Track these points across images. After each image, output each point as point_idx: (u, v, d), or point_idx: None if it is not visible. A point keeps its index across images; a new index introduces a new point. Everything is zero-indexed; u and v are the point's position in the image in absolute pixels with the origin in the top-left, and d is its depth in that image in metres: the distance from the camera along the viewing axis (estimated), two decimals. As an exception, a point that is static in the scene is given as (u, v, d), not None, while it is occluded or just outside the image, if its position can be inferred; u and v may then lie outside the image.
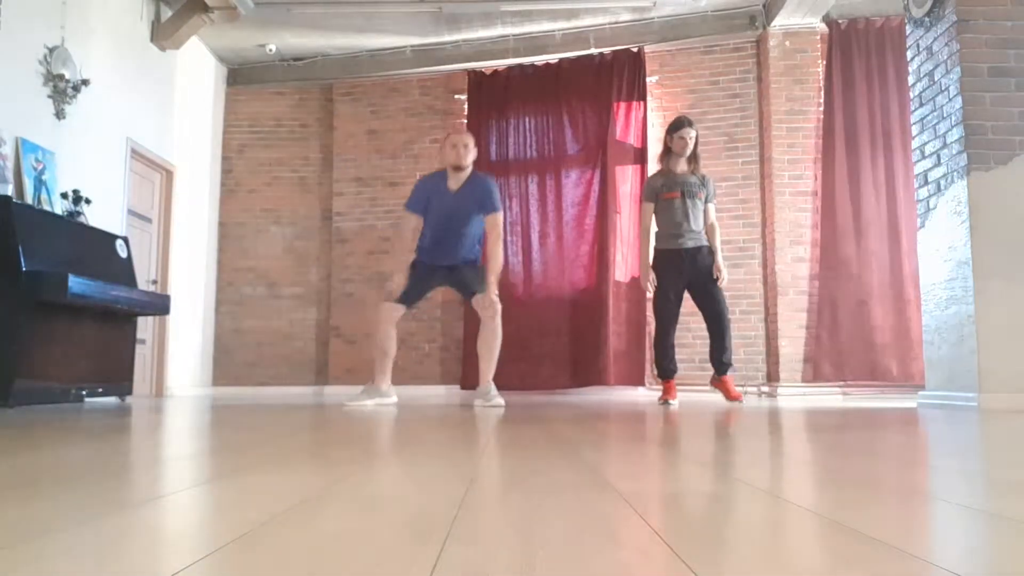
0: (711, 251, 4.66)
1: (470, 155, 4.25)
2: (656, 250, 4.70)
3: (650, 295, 6.72)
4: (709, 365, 6.81)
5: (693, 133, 4.67)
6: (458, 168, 4.22)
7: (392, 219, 7.25)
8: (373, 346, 4.32)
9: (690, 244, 4.61)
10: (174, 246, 6.62)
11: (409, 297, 4.27)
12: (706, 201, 4.69)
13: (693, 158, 4.70)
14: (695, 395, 6.13)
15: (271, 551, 0.68)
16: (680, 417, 3.08)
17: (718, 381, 4.64)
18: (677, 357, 4.70)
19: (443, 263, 4.28)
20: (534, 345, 6.73)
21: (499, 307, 4.16)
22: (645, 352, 6.60)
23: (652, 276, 4.66)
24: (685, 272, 4.60)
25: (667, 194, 4.65)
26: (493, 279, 4.17)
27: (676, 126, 4.69)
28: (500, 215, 4.29)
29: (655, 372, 4.70)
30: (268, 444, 1.76)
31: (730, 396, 4.56)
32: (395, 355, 4.29)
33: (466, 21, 6.82)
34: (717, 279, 4.57)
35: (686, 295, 4.68)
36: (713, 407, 4.03)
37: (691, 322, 6.61)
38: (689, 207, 4.62)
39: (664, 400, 4.53)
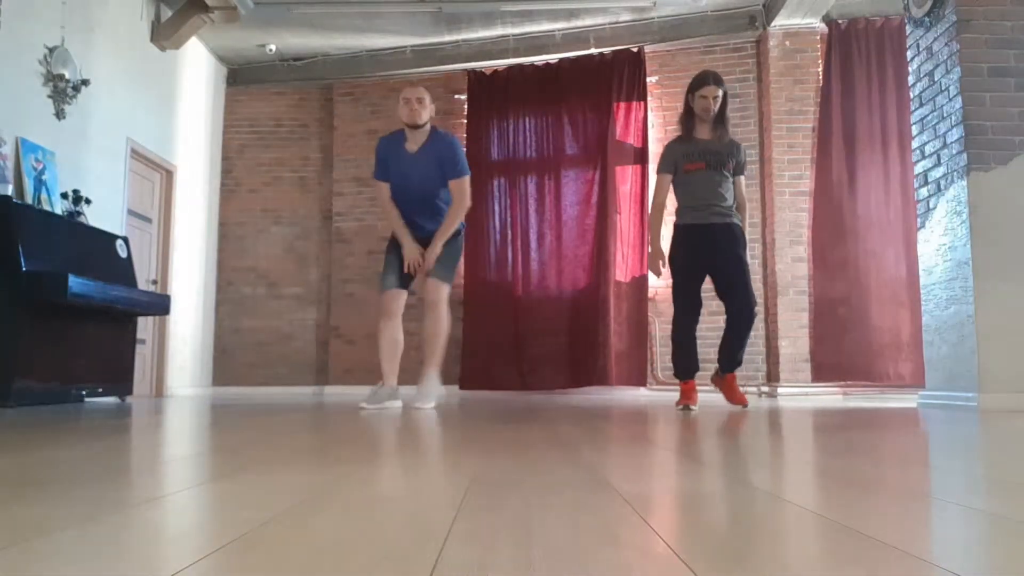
0: (742, 233, 3.95)
1: (426, 111, 3.83)
2: (676, 226, 3.98)
3: (659, 281, 6.76)
4: (710, 364, 6.88)
5: (719, 91, 3.90)
6: (413, 126, 3.83)
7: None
8: (383, 346, 3.89)
9: (717, 220, 3.89)
10: (174, 246, 6.62)
11: (392, 278, 3.89)
12: (735, 173, 3.97)
13: (720, 122, 3.94)
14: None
15: (271, 551, 0.68)
16: (680, 417, 3.08)
17: (720, 379, 3.98)
18: (670, 360, 4.15)
19: (415, 233, 3.91)
20: (534, 345, 6.73)
21: (444, 292, 3.80)
22: (646, 352, 6.61)
23: (663, 259, 3.98)
24: (707, 254, 3.90)
25: (689, 165, 3.93)
26: (439, 242, 3.82)
27: (697, 83, 3.94)
28: (466, 179, 3.88)
29: (672, 372, 4.02)
30: (268, 444, 1.76)
31: (734, 399, 3.93)
32: (401, 350, 3.90)
33: (466, 21, 6.82)
34: (746, 268, 3.91)
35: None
36: (716, 408, 4.02)
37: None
38: (717, 181, 3.90)
39: (684, 405, 3.77)
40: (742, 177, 4.01)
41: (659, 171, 4.04)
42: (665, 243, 4.03)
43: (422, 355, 3.91)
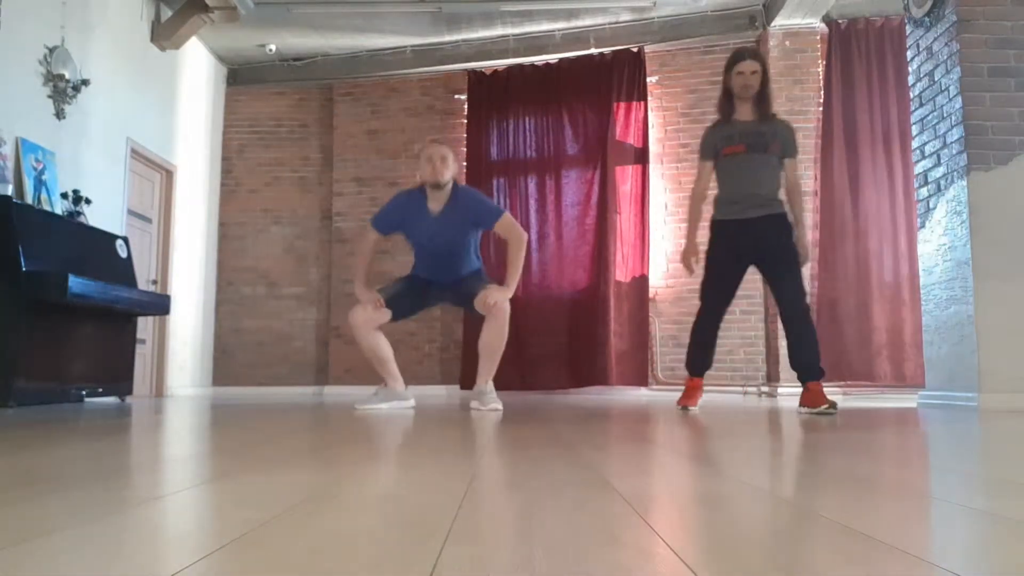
0: (788, 222, 3.63)
1: (448, 170, 3.70)
2: (713, 221, 3.71)
3: (659, 281, 6.75)
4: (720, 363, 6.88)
5: (757, 66, 3.60)
6: (436, 186, 3.69)
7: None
8: (365, 355, 3.83)
9: (756, 213, 3.58)
10: (174, 246, 6.62)
11: (399, 308, 3.78)
12: (783, 156, 3.65)
13: (762, 100, 3.62)
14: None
15: (271, 551, 0.68)
16: (680, 417, 3.08)
17: (806, 393, 3.43)
18: (677, 359, 4.03)
19: (445, 279, 3.85)
20: (534, 345, 6.73)
21: (507, 306, 3.67)
22: (647, 352, 6.60)
23: (697, 256, 3.72)
24: (748, 249, 3.61)
25: (728, 148, 3.62)
26: (513, 282, 3.72)
27: (734, 60, 3.65)
28: (507, 215, 3.81)
29: (684, 364, 3.81)
30: (268, 444, 1.76)
31: (814, 402, 3.36)
32: (392, 354, 3.84)
33: (466, 21, 6.82)
34: (795, 258, 3.56)
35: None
36: (716, 409, 4.01)
37: (692, 321, 6.63)
38: (758, 165, 3.59)
39: (683, 405, 3.64)
40: (793, 160, 3.67)
41: (700, 159, 3.77)
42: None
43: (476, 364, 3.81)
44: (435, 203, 3.73)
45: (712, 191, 3.73)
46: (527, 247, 3.92)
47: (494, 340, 3.70)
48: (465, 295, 3.81)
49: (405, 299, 3.81)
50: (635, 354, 6.60)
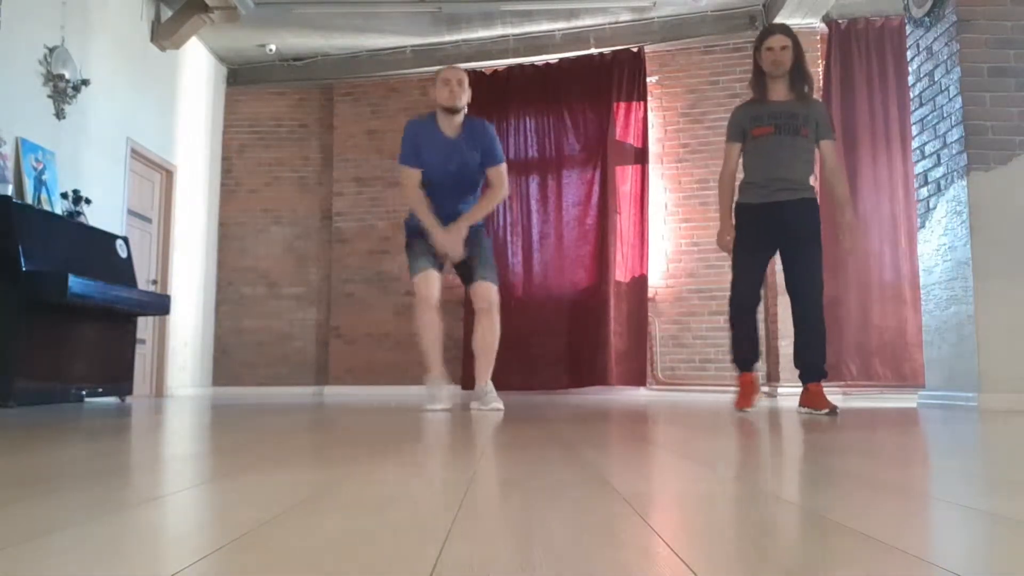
0: (816, 209, 3.46)
1: (465, 94, 3.63)
2: (738, 205, 3.54)
3: (659, 281, 6.73)
4: (710, 364, 6.91)
5: (787, 41, 3.39)
6: (451, 110, 3.60)
7: (393, 219, 7.25)
8: (421, 334, 3.64)
9: (784, 197, 3.41)
10: (174, 246, 6.62)
11: (425, 260, 3.63)
12: (819, 138, 3.45)
13: (797, 79, 3.42)
14: (695, 395, 6.12)
15: (271, 551, 0.68)
16: (680, 418, 3.07)
17: (806, 393, 3.36)
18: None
19: (447, 224, 3.68)
20: (535, 345, 6.73)
21: (496, 293, 3.62)
22: (646, 352, 6.61)
23: (731, 234, 3.53)
24: (775, 233, 3.43)
25: (757, 129, 3.44)
26: (465, 223, 3.59)
27: (762, 36, 3.48)
28: (504, 166, 3.71)
29: (731, 360, 3.63)
30: (268, 444, 1.76)
31: (816, 404, 3.29)
32: (442, 337, 3.67)
33: (466, 21, 6.82)
34: (819, 251, 3.41)
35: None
36: (719, 409, 4.01)
37: (691, 321, 6.64)
38: (788, 147, 3.39)
39: (741, 408, 3.45)
40: (830, 141, 3.47)
41: (727, 140, 3.58)
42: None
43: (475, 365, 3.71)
44: (449, 128, 3.65)
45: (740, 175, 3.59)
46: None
47: (488, 336, 3.63)
48: (468, 256, 3.66)
49: (429, 250, 3.65)
50: (634, 354, 6.60)
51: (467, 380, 6.82)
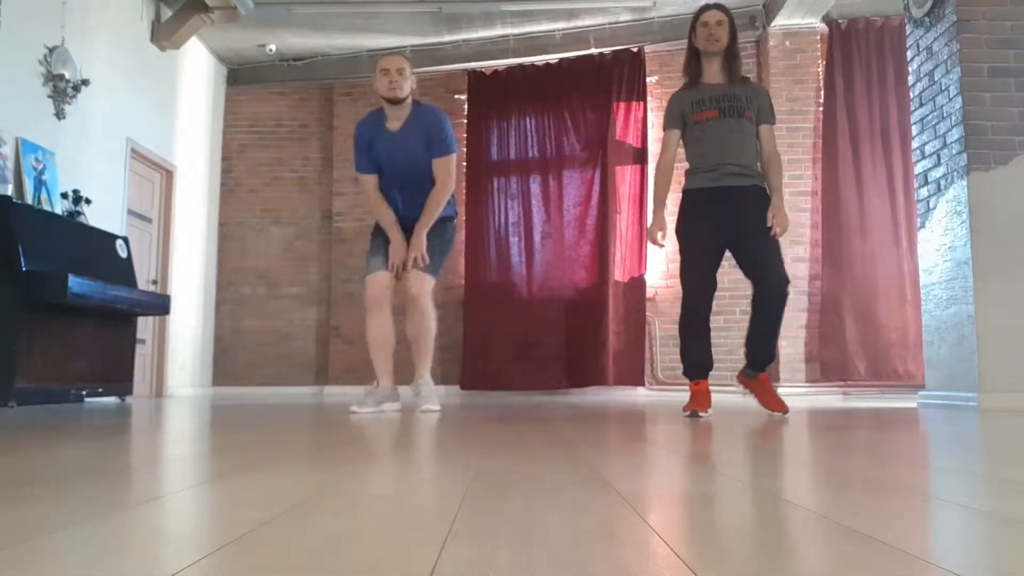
0: (766, 193, 3.27)
1: (407, 82, 3.43)
2: (685, 191, 3.33)
3: (658, 280, 6.74)
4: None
5: (722, 15, 3.25)
6: (393, 101, 3.42)
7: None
8: (370, 339, 3.54)
9: (734, 182, 3.22)
10: (174, 246, 6.62)
11: (378, 260, 3.53)
12: (759, 122, 3.29)
13: (731, 59, 3.28)
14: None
15: (271, 551, 0.68)
16: (680, 417, 3.07)
17: (751, 379, 3.29)
18: (677, 359, 3.44)
19: (412, 217, 3.53)
20: (535, 345, 6.73)
21: (428, 285, 3.43)
22: (644, 352, 6.61)
23: (664, 230, 3.34)
24: (726, 220, 3.21)
25: (699, 115, 3.26)
26: (422, 233, 3.42)
27: (697, 13, 3.31)
28: (453, 157, 3.49)
29: (682, 370, 3.36)
30: (268, 444, 1.76)
31: (771, 404, 3.23)
32: (393, 345, 3.51)
33: (466, 21, 6.82)
34: (771, 230, 3.19)
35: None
36: (728, 411, 4.01)
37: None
38: (734, 131, 3.22)
39: (691, 411, 3.18)
40: (769, 126, 3.31)
41: (665, 127, 3.39)
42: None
43: (412, 356, 3.55)
44: (394, 121, 3.48)
45: (681, 165, 3.38)
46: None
47: (415, 327, 3.47)
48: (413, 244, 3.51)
49: (386, 248, 3.54)
50: (634, 354, 6.61)
51: (465, 379, 6.83)
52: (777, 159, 3.32)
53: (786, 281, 3.20)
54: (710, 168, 3.24)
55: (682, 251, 3.30)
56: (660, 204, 3.37)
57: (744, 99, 3.24)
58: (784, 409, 3.20)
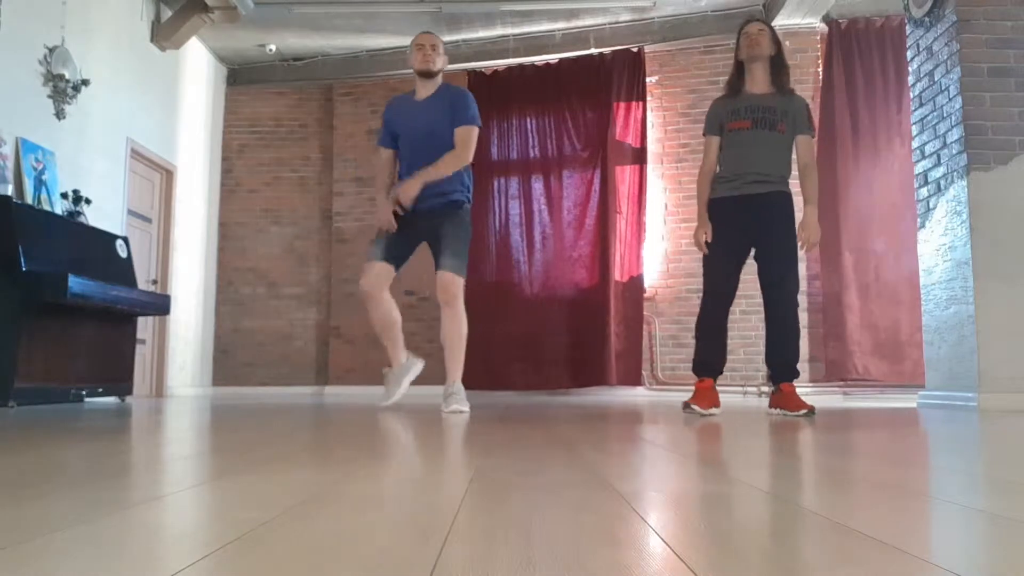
0: (791, 204, 3.37)
1: (440, 59, 3.64)
2: (709, 200, 3.44)
3: (657, 280, 6.73)
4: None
5: (763, 25, 3.41)
6: (426, 74, 3.61)
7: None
8: (375, 325, 3.69)
9: (755, 190, 3.33)
10: (174, 246, 6.63)
11: (392, 251, 3.58)
12: (795, 133, 3.38)
13: (777, 70, 3.39)
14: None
15: (271, 551, 0.68)
16: (680, 417, 3.07)
17: (778, 394, 3.25)
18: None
19: (421, 204, 3.55)
20: (536, 345, 6.73)
21: (459, 285, 3.48)
22: (642, 352, 6.61)
23: (708, 233, 3.39)
24: (747, 227, 3.32)
25: (734, 123, 3.37)
26: (420, 180, 3.48)
27: (741, 26, 3.46)
28: (475, 129, 3.55)
29: (692, 367, 3.48)
30: (268, 444, 1.76)
31: (792, 406, 3.17)
32: (398, 321, 3.67)
33: (466, 21, 6.82)
34: (796, 239, 3.30)
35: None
36: (727, 411, 4.01)
37: (691, 321, 6.63)
38: (766, 143, 3.32)
39: (688, 405, 3.29)
40: (807, 137, 3.38)
41: (705, 133, 3.52)
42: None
43: (444, 360, 3.63)
44: (423, 91, 3.66)
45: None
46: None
47: (450, 330, 3.53)
48: (435, 240, 3.57)
49: (397, 242, 3.60)
50: (634, 354, 6.60)
51: (468, 380, 6.82)
52: (813, 170, 3.37)
53: (796, 290, 3.29)
54: (732, 177, 3.37)
55: (705, 256, 3.41)
56: (704, 206, 3.46)
57: (779, 112, 3.33)
58: (808, 409, 3.16)
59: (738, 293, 3.52)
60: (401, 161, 3.68)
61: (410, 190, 3.49)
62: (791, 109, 3.36)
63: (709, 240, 3.38)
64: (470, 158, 3.57)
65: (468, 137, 3.53)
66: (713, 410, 3.27)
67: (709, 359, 3.35)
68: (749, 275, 3.56)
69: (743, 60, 3.41)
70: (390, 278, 3.57)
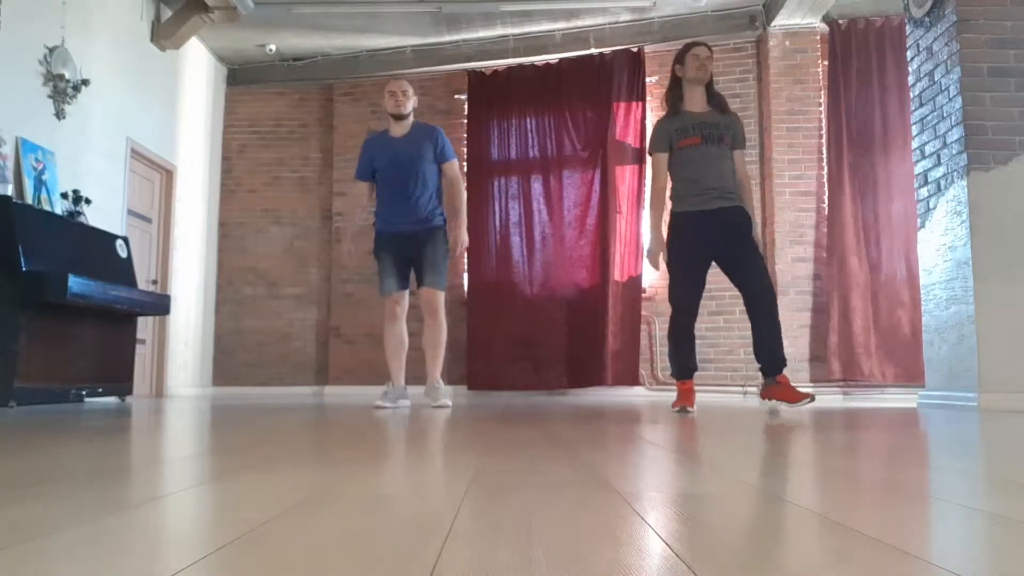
0: (748, 214, 3.62)
1: (410, 102, 4.10)
2: (673, 214, 3.64)
3: (657, 279, 6.75)
4: (709, 364, 6.90)
5: (709, 52, 3.65)
6: (398, 117, 4.09)
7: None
8: (388, 349, 4.17)
9: (720, 204, 3.56)
10: (174, 246, 6.62)
11: (391, 281, 4.05)
12: (735, 147, 3.65)
13: (714, 91, 3.68)
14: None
15: (271, 551, 0.68)
16: (678, 417, 3.07)
17: (774, 386, 3.55)
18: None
19: (403, 228, 4.04)
20: (536, 345, 6.73)
21: (441, 299, 4.00)
22: (640, 352, 6.61)
23: (664, 252, 3.65)
24: (711, 240, 3.57)
25: (684, 141, 3.58)
26: (463, 229, 4.08)
27: (686, 47, 3.67)
28: (456, 163, 4.13)
29: (670, 372, 3.74)
30: (268, 444, 1.76)
31: (794, 398, 3.46)
32: (406, 347, 4.14)
33: (466, 21, 6.82)
34: (758, 249, 3.61)
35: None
36: (714, 409, 4.01)
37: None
38: (716, 157, 3.56)
39: (680, 407, 3.55)
40: (742, 152, 3.69)
41: (652, 151, 3.69)
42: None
43: (424, 362, 4.09)
44: (398, 130, 4.12)
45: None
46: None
47: (432, 336, 4.02)
48: (419, 261, 4.03)
49: (389, 270, 4.06)
50: (634, 354, 6.61)
51: (470, 379, 6.83)
52: (748, 182, 3.70)
53: (771, 286, 3.54)
54: (698, 192, 3.58)
55: (671, 267, 3.64)
56: (659, 224, 3.70)
57: (722, 127, 3.61)
58: (808, 397, 3.44)
59: (736, 293, 3.69)
60: (380, 192, 4.13)
61: (463, 238, 4.12)
62: (731, 126, 3.64)
63: (667, 260, 3.63)
64: (464, 183, 4.19)
65: (457, 171, 4.14)
66: (694, 408, 3.59)
67: (687, 363, 3.65)
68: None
69: (687, 80, 3.64)
70: (407, 301, 4.11)
